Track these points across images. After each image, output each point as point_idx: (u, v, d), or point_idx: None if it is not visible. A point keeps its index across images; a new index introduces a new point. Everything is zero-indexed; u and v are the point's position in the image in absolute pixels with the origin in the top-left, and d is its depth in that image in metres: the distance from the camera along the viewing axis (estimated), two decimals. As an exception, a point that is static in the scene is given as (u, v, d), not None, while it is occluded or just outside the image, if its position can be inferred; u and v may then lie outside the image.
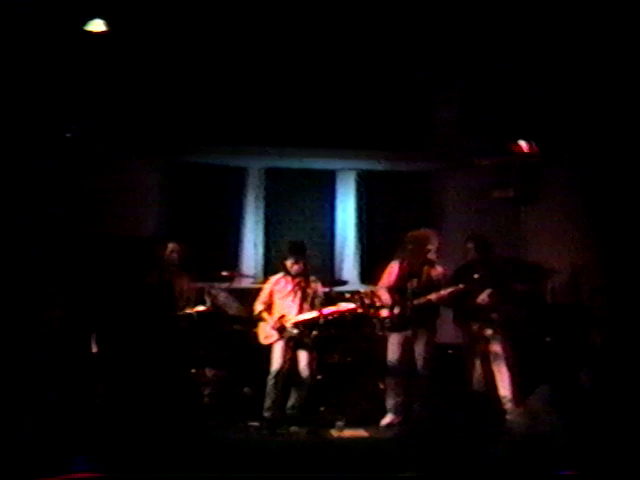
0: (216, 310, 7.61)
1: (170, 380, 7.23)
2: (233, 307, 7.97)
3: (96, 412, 6.31)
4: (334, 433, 6.94)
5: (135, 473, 5.08)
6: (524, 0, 7.73)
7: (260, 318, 7.37)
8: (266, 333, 7.31)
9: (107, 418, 6.15)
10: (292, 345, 7.22)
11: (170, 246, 7.62)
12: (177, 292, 7.52)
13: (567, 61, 8.35)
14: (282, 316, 7.26)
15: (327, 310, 7.22)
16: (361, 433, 7.00)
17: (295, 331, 7.19)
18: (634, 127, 8.29)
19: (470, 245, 7.46)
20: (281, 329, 7.23)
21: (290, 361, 7.21)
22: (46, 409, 6.15)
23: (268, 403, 7.14)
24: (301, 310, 7.28)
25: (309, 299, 7.30)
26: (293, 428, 6.96)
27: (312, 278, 7.41)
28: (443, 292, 7.17)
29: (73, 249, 8.03)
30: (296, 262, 7.32)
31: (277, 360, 7.20)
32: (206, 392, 7.45)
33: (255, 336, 7.42)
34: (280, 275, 7.46)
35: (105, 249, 8.14)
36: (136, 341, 7.33)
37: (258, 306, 7.41)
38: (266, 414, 7.11)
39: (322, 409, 7.36)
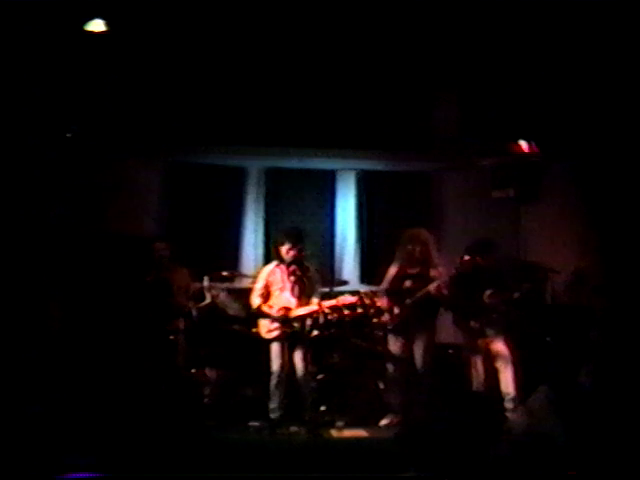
0: (215, 305, 7.62)
1: (170, 380, 7.23)
2: (233, 307, 7.98)
3: (96, 412, 6.30)
4: (334, 433, 6.95)
5: (135, 473, 5.07)
6: (524, 0, 7.73)
7: (260, 312, 7.12)
8: (268, 327, 7.06)
9: (107, 418, 6.14)
10: (289, 342, 7.01)
11: (158, 246, 7.65)
12: (175, 289, 7.53)
13: (567, 61, 8.34)
14: (286, 308, 7.01)
15: (327, 303, 7.10)
16: (361, 433, 7.01)
17: (296, 324, 6.98)
18: (634, 127, 8.28)
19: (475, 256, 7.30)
20: (284, 321, 6.99)
21: (290, 359, 7.02)
22: (45, 409, 6.14)
23: (274, 404, 6.96)
24: (300, 301, 7.02)
25: (306, 288, 7.06)
26: (293, 428, 6.95)
27: (307, 264, 7.15)
28: (438, 282, 7.16)
29: (73, 249, 8.05)
30: (292, 247, 7.01)
31: (276, 359, 7.02)
32: (206, 392, 7.46)
33: (256, 333, 7.28)
34: (273, 265, 7.20)
35: (102, 248, 8.15)
36: (135, 340, 7.34)
37: (256, 300, 7.15)
38: (272, 415, 6.95)
39: (322, 409, 7.35)
